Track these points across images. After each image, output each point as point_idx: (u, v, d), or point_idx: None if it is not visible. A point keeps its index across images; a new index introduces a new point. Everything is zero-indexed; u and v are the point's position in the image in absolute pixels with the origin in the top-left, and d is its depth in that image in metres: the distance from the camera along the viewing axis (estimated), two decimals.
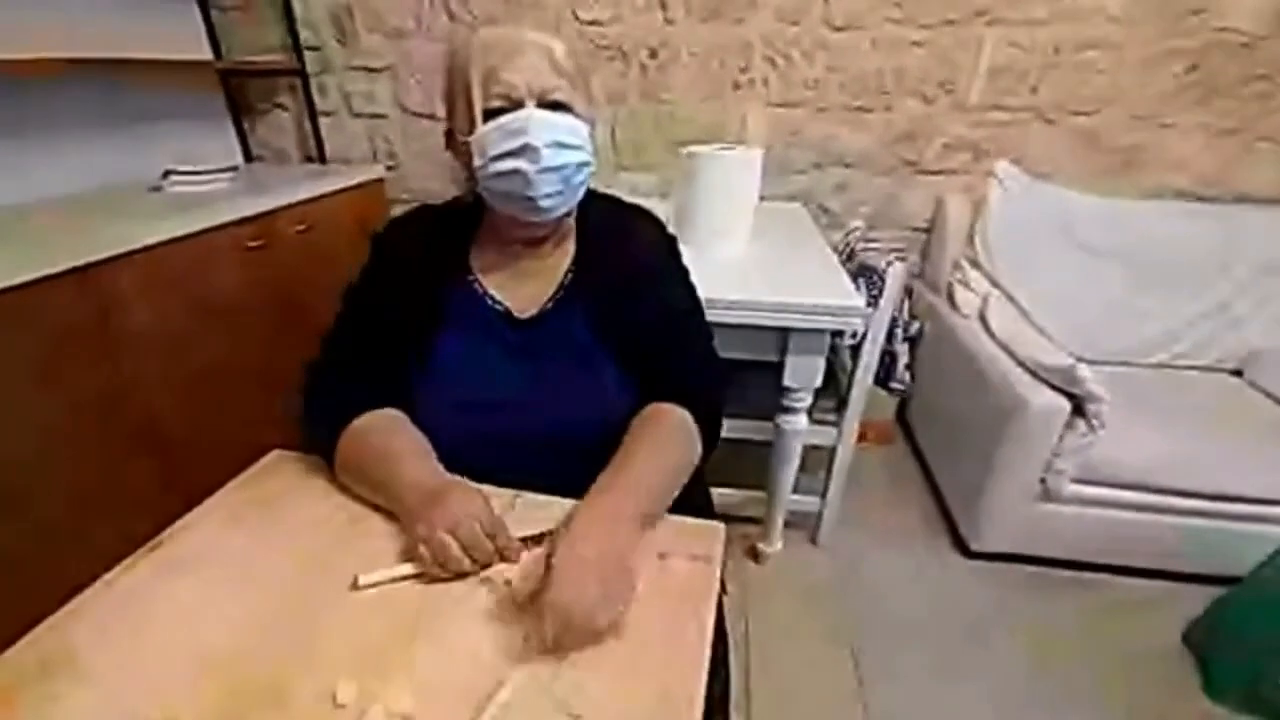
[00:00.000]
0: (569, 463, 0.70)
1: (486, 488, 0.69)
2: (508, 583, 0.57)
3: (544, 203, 0.69)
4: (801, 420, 1.31)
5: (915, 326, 1.85)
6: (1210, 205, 1.72)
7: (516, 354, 0.75)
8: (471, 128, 0.67)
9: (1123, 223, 1.70)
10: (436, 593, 0.57)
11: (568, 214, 0.75)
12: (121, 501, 1.24)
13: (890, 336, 1.72)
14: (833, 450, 1.48)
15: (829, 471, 1.52)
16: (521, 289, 0.77)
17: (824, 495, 1.55)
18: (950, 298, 1.78)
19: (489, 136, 0.67)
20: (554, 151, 0.66)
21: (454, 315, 0.75)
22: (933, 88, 1.77)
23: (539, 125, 0.66)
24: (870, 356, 1.36)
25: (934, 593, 1.48)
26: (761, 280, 1.24)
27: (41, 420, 1.12)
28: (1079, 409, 1.30)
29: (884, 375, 1.77)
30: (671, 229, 0.86)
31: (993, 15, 1.67)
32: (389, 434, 0.70)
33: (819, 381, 1.25)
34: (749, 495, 1.52)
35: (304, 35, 1.94)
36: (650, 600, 0.56)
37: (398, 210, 2.05)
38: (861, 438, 1.53)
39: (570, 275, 0.77)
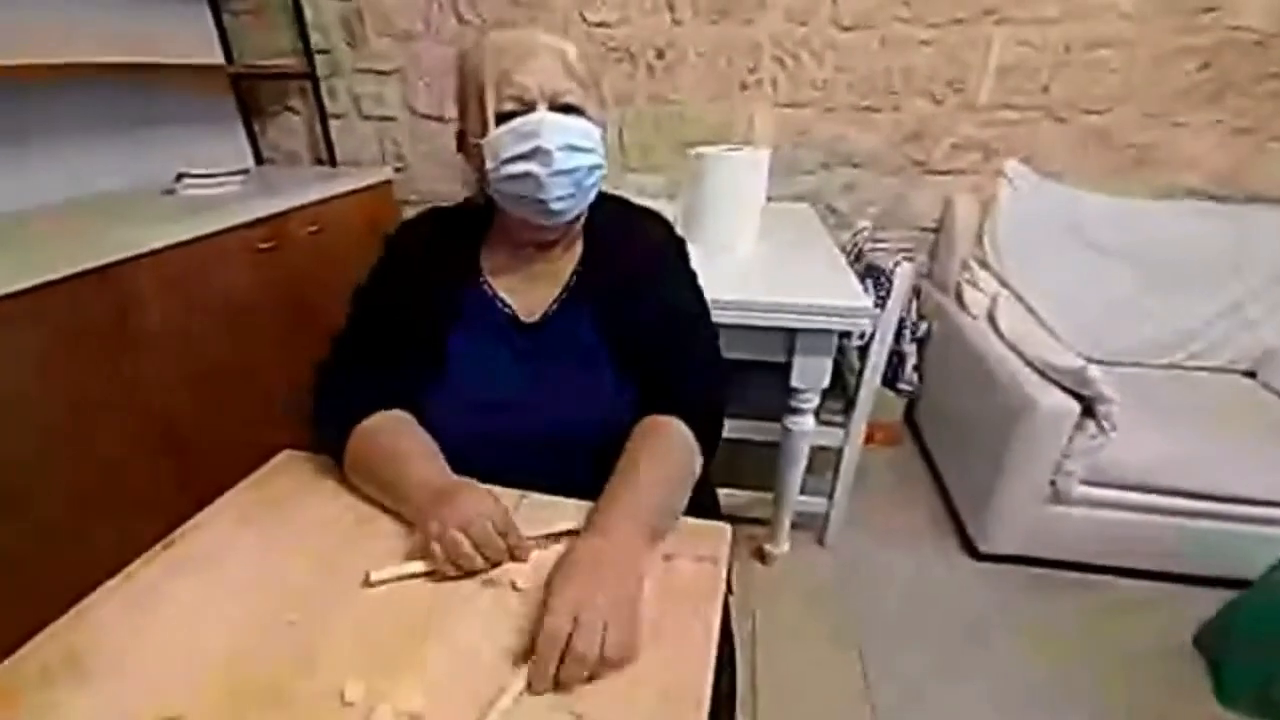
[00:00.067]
0: (573, 463, 0.70)
1: (493, 488, 0.69)
2: (514, 586, 0.58)
3: (556, 205, 0.69)
4: (809, 421, 1.31)
5: (923, 327, 1.84)
6: (1223, 205, 1.71)
7: (523, 356, 0.76)
8: (484, 130, 0.68)
9: (1134, 222, 1.68)
10: (445, 593, 0.57)
11: (579, 217, 0.76)
12: (134, 500, 1.26)
13: (898, 337, 1.72)
14: (840, 451, 1.48)
15: (836, 472, 1.51)
16: (531, 291, 0.77)
17: (831, 496, 1.54)
18: (959, 298, 1.77)
19: (501, 139, 0.67)
20: (566, 155, 0.67)
21: (464, 317, 0.76)
22: (941, 87, 1.76)
23: (551, 128, 0.66)
24: (878, 357, 1.36)
25: (942, 594, 1.47)
26: (769, 281, 1.24)
27: (59, 418, 1.14)
28: (1089, 410, 1.29)
29: (892, 376, 1.76)
30: (678, 230, 0.86)
31: (1002, 14, 1.66)
32: (397, 435, 0.70)
33: (826, 382, 1.24)
34: (756, 496, 1.52)
35: (314, 39, 1.95)
36: (656, 601, 0.56)
37: (407, 212, 2.08)
38: (869, 439, 1.52)
39: (576, 277, 0.78)
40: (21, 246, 1.19)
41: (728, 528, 0.66)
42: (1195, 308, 1.66)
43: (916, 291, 1.89)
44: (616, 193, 0.85)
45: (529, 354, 0.76)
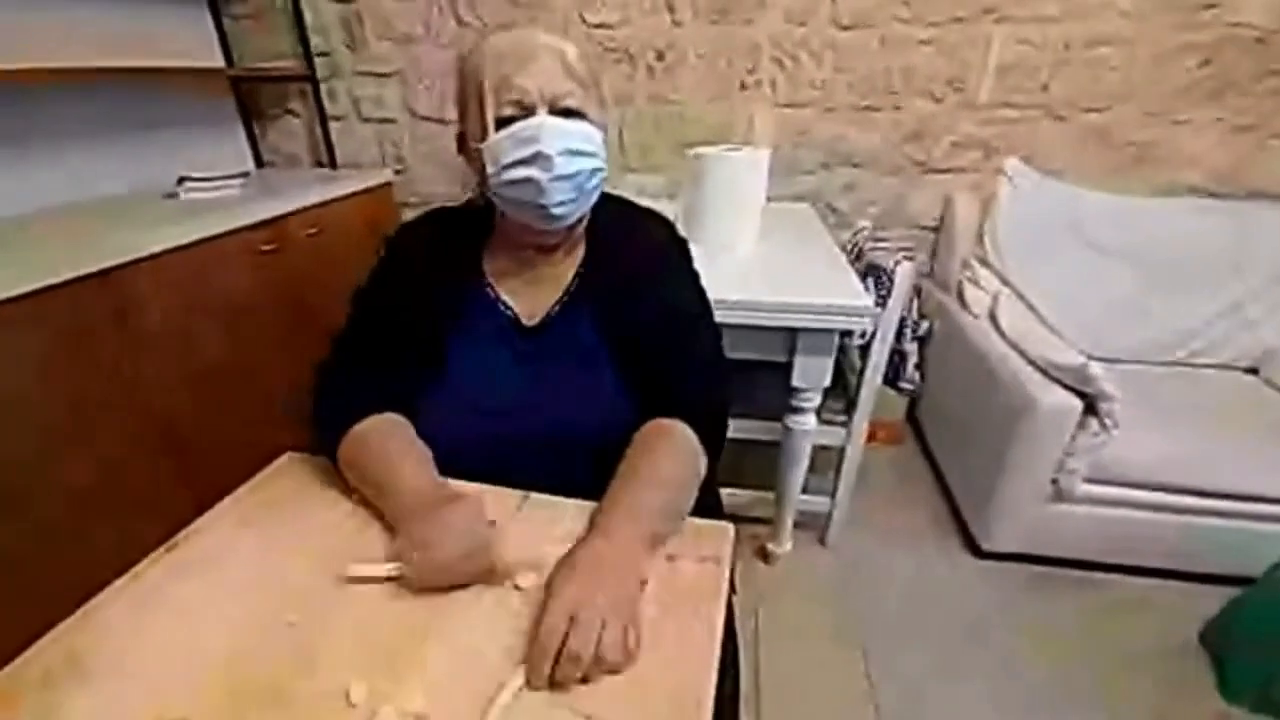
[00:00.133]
0: (574, 465, 0.70)
1: (495, 488, 0.70)
2: (516, 586, 0.58)
3: (557, 210, 0.69)
4: (810, 420, 1.31)
5: (924, 326, 1.84)
6: (1224, 202, 1.70)
7: (524, 359, 0.75)
8: (484, 135, 0.67)
9: (1135, 220, 1.68)
10: (447, 594, 0.57)
11: (580, 220, 0.75)
12: (136, 501, 1.26)
13: (899, 336, 1.72)
14: (842, 450, 1.48)
15: (838, 472, 1.51)
16: (533, 294, 0.77)
17: (833, 495, 1.54)
18: (960, 297, 1.77)
19: (501, 144, 0.67)
20: (567, 159, 0.66)
21: (466, 319, 0.76)
22: (941, 86, 1.76)
23: (551, 133, 0.65)
24: (879, 356, 1.36)
25: (944, 593, 1.47)
26: (769, 280, 1.24)
27: (62, 419, 1.14)
28: (1091, 408, 1.29)
29: (893, 375, 1.76)
30: (680, 230, 0.86)
31: (1001, 12, 1.66)
32: (388, 438, 0.70)
33: (828, 381, 1.24)
34: (758, 496, 1.52)
35: (314, 41, 1.95)
36: (660, 601, 0.56)
37: (407, 214, 2.08)
38: (871, 438, 1.52)
39: (578, 279, 0.78)
40: (23, 250, 1.19)
41: (730, 527, 0.66)
42: (1196, 305, 1.65)
43: (917, 290, 1.89)
44: (617, 193, 0.85)
45: (530, 356, 0.76)
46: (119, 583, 0.59)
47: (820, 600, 1.45)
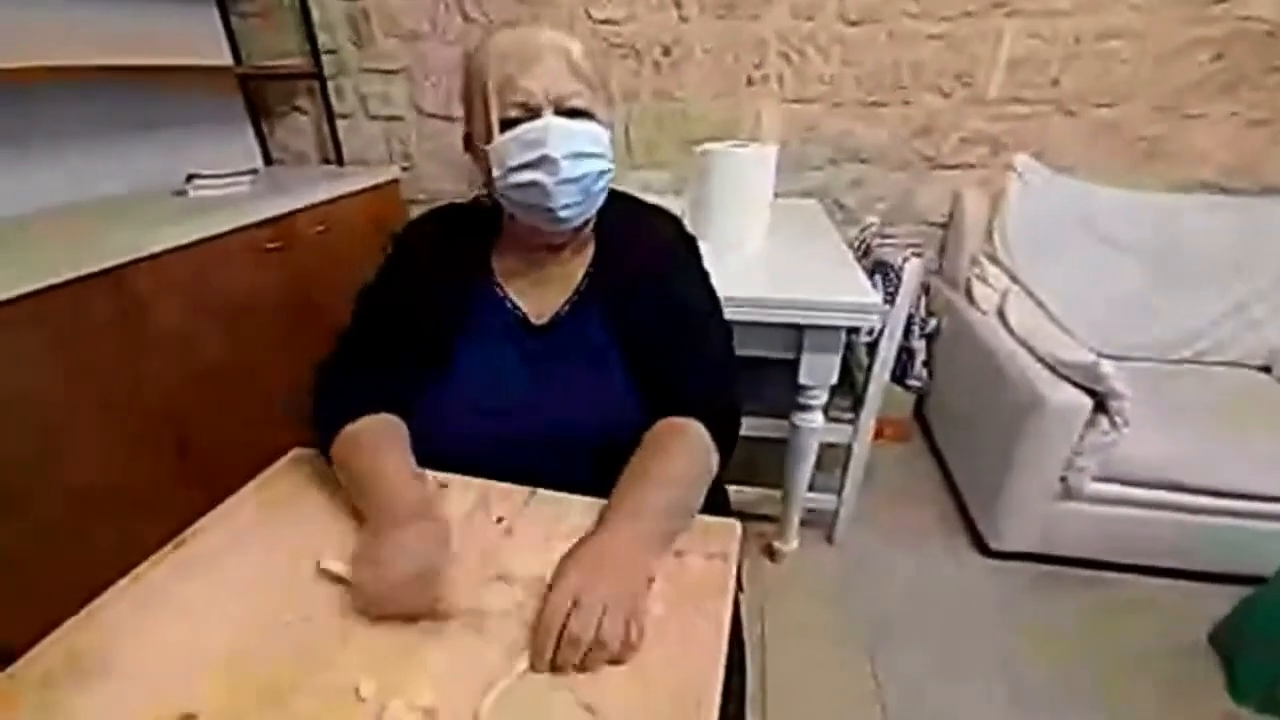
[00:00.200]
0: (583, 464, 0.70)
1: (502, 485, 0.70)
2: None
3: (563, 213, 0.68)
4: (817, 418, 1.31)
5: (933, 323, 1.83)
6: (1236, 198, 1.69)
7: (532, 358, 0.75)
8: (489, 137, 0.67)
9: (1145, 216, 1.66)
10: (455, 589, 0.57)
11: (587, 220, 0.75)
12: (142, 502, 1.26)
13: (907, 333, 1.71)
14: (849, 448, 1.47)
15: (845, 469, 1.51)
16: (541, 294, 0.77)
17: (840, 493, 1.54)
18: (968, 293, 1.76)
19: (506, 147, 0.66)
20: (573, 162, 0.66)
21: (475, 319, 0.75)
22: (950, 81, 1.75)
23: (557, 135, 0.65)
24: (887, 353, 1.35)
25: (952, 592, 1.47)
26: (776, 277, 1.24)
27: (72, 417, 1.15)
28: (1101, 406, 1.28)
29: (901, 372, 1.76)
30: (687, 227, 0.86)
31: (1012, 6, 1.64)
32: (378, 442, 0.69)
33: (835, 379, 1.24)
34: (765, 493, 1.52)
35: (321, 39, 1.96)
36: (667, 598, 0.56)
37: (414, 211, 2.08)
38: (878, 435, 1.52)
39: (588, 279, 0.77)
40: (32, 249, 1.20)
41: (738, 525, 0.66)
42: (1208, 302, 1.64)
43: (925, 287, 1.88)
44: (623, 190, 0.84)
45: (538, 356, 0.75)
46: (124, 581, 0.59)
47: (826, 598, 1.45)
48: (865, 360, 1.43)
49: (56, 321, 1.11)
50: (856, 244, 1.60)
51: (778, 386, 1.32)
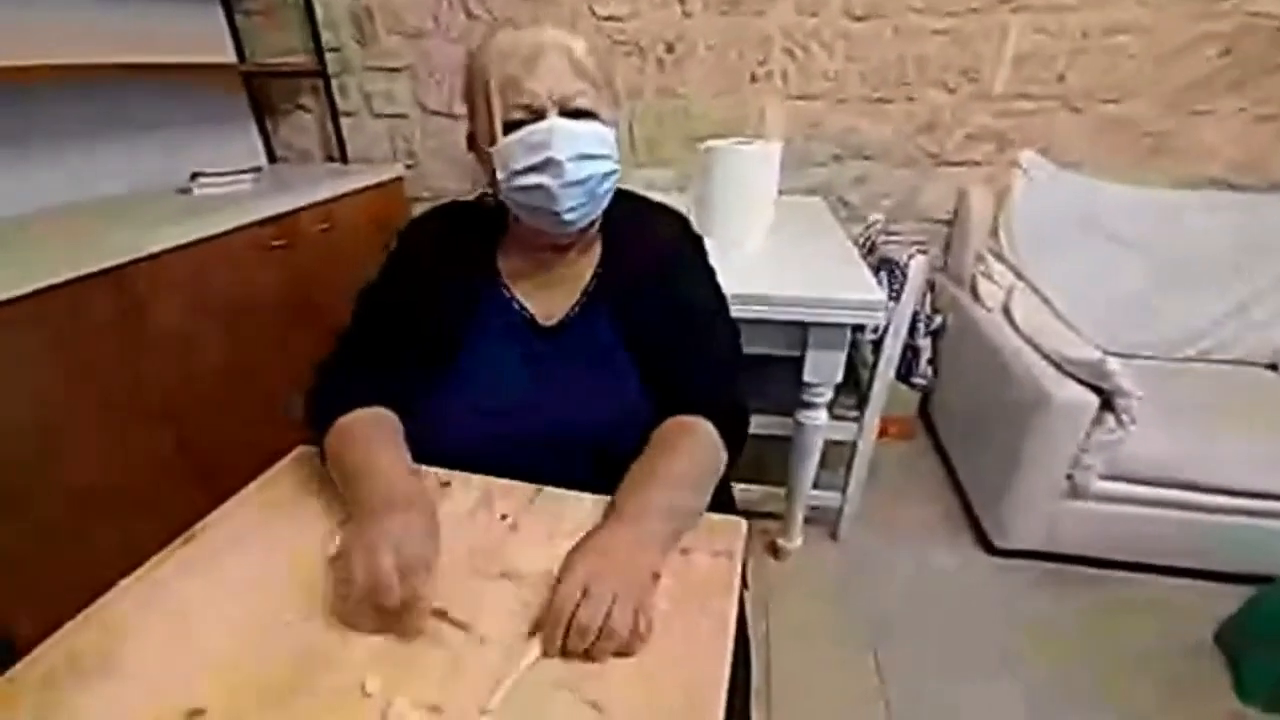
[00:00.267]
0: (589, 465, 0.70)
1: (509, 482, 0.70)
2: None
3: (568, 216, 0.68)
4: (822, 415, 1.30)
5: (938, 320, 1.82)
6: (1244, 194, 1.67)
7: (540, 360, 0.75)
8: (493, 138, 0.66)
9: (1152, 213, 1.65)
10: (460, 586, 0.57)
11: (593, 221, 0.74)
12: (146, 501, 1.27)
13: (912, 331, 1.70)
14: (853, 446, 1.47)
15: (849, 467, 1.50)
16: (549, 295, 0.76)
17: (844, 491, 1.53)
18: (973, 291, 1.75)
19: (511, 149, 0.65)
20: (577, 165, 0.65)
21: (481, 320, 0.75)
22: (955, 77, 1.74)
23: (562, 137, 0.64)
24: (892, 351, 1.35)
25: (956, 590, 1.46)
26: (781, 274, 1.23)
27: (73, 416, 1.15)
28: (1108, 404, 1.28)
29: (906, 370, 1.75)
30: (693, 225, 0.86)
31: (1018, 2, 1.63)
32: (371, 434, 0.68)
33: (839, 377, 1.24)
34: (769, 491, 1.52)
35: (325, 37, 1.96)
36: (672, 595, 0.56)
37: (418, 209, 2.08)
38: (882, 433, 1.51)
39: (595, 279, 0.77)
40: (39, 248, 1.21)
41: (743, 522, 0.66)
42: (1216, 299, 1.63)
43: (930, 285, 1.87)
44: (629, 188, 0.84)
45: (546, 357, 0.75)
46: (127, 580, 0.59)
47: (830, 596, 1.45)
48: (870, 358, 1.42)
49: (61, 321, 1.12)
50: (861, 241, 1.59)
51: (782, 384, 1.32)
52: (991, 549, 1.53)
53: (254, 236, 1.51)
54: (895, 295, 1.30)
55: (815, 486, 1.45)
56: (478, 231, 0.79)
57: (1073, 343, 1.39)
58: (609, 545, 0.57)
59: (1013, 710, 1.19)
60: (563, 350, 0.75)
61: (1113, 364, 1.24)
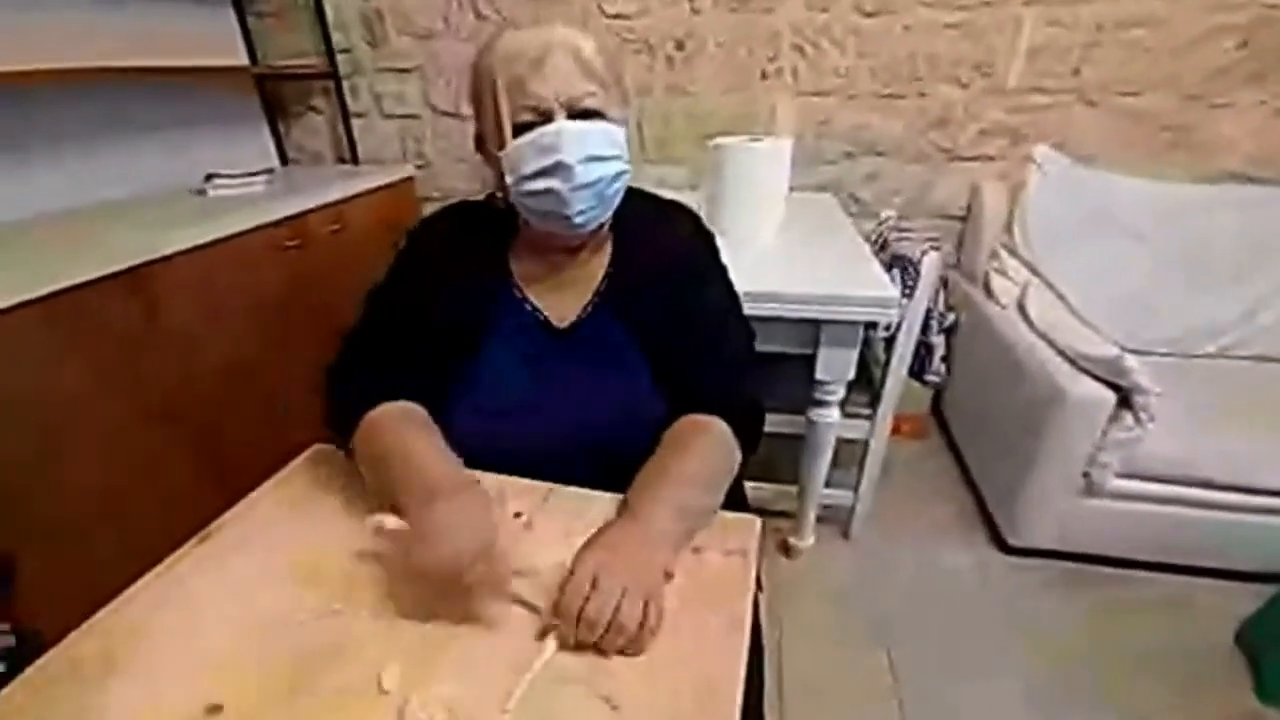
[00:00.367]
0: (602, 467, 0.70)
1: (522, 480, 0.70)
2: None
3: (579, 219, 0.67)
4: (834, 413, 1.30)
5: (951, 318, 1.81)
6: (1264, 188, 1.64)
7: (553, 361, 0.75)
8: (500, 141, 0.66)
9: (1170, 207, 1.63)
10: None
11: (604, 223, 0.74)
12: (161, 500, 1.28)
13: (925, 328, 1.69)
14: (865, 444, 1.46)
15: (861, 465, 1.50)
16: (560, 296, 0.76)
17: (856, 489, 1.53)
18: (987, 287, 1.74)
19: (520, 153, 0.65)
20: (587, 167, 0.64)
21: (495, 322, 0.75)
22: (968, 71, 1.72)
23: (571, 140, 0.63)
24: (904, 348, 1.34)
25: (970, 589, 1.45)
26: (792, 272, 1.23)
27: (88, 417, 1.16)
28: (1125, 401, 1.26)
29: (918, 367, 1.73)
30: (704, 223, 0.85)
31: None
32: (404, 426, 0.68)
33: (852, 374, 1.23)
34: (781, 489, 1.51)
35: (336, 38, 1.97)
36: (686, 593, 0.56)
37: (429, 209, 2.08)
38: (895, 431, 1.50)
39: (607, 280, 0.76)
40: (54, 249, 1.22)
41: (757, 521, 0.66)
42: (1235, 295, 1.60)
43: (944, 281, 1.85)
44: (639, 187, 0.84)
45: (559, 359, 0.75)
46: (147, 576, 0.60)
47: (843, 595, 1.44)
48: (882, 355, 1.41)
49: (82, 321, 1.13)
50: (873, 238, 1.58)
51: (794, 382, 1.31)
52: (1005, 548, 1.52)
53: (268, 237, 1.52)
54: (908, 292, 1.29)
55: (827, 485, 1.45)
56: (489, 232, 0.78)
57: (1089, 339, 1.37)
58: (619, 541, 0.57)
59: (1026, 709, 1.18)
60: (574, 352, 0.75)
61: (1130, 361, 1.23)
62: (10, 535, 1.02)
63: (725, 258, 0.84)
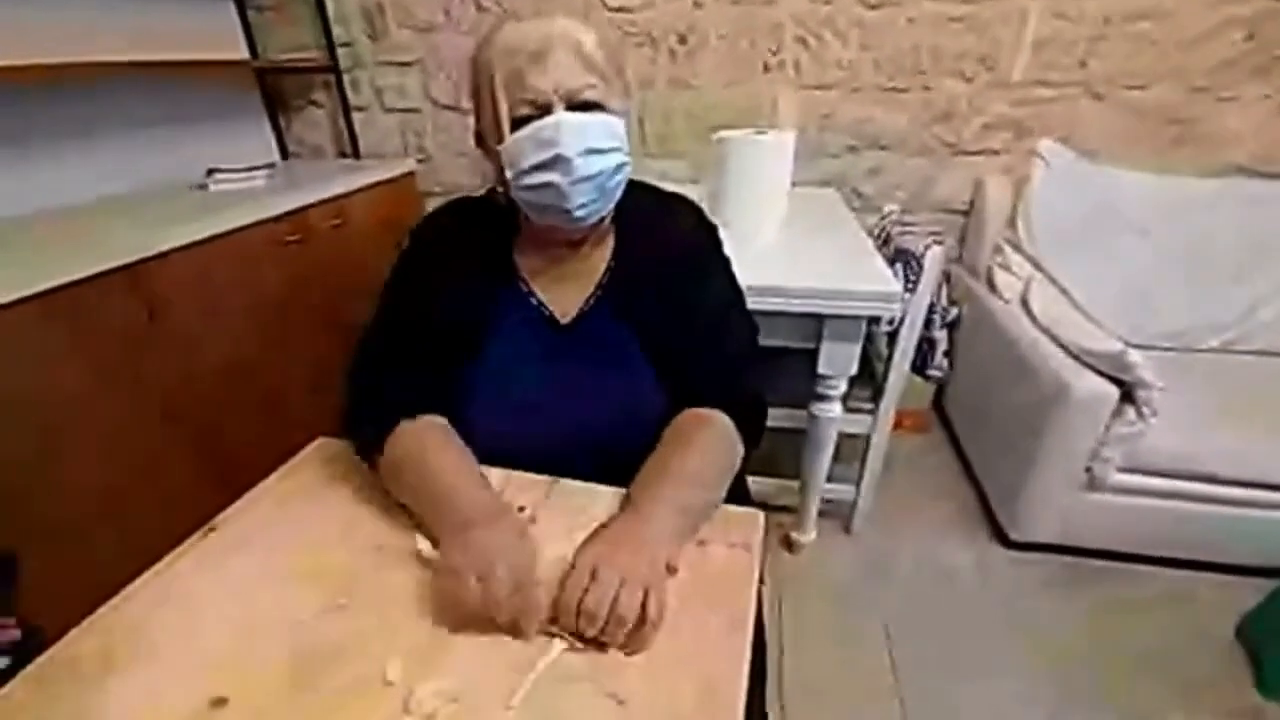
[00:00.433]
0: (606, 462, 0.70)
1: (523, 474, 0.70)
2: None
3: (579, 212, 0.67)
4: (836, 408, 1.30)
5: (954, 312, 1.80)
6: (1269, 183, 1.63)
7: (557, 357, 0.74)
8: (499, 136, 0.65)
9: (1175, 202, 1.62)
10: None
11: (605, 216, 0.74)
12: (165, 493, 1.28)
13: (928, 323, 1.68)
14: (868, 439, 1.46)
15: (864, 460, 1.50)
16: (564, 290, 0.76)
17: (858, 484, 1.53)
18: (990, 282, 1.73)
19: (519, 147, 0.64)
20: (587, 160, 0.64)
21: (503, 318, 0.74)
22: (973, 65, 1.71)
23: (570, 133, 0.63)
24: (907, 343, 1.33)
25: (971, 583, 1.45)
26: (795, 266, 1.22)
27: (87, 414, 1.16)
28: (1128, 396, 1.26)
29: (921, 362, 1.73)
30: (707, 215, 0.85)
31: None
32: (434, 445, 0.67)
33: (854, 369, 1.23)
34: (783, 484, 1.51)
35: (336, 32, 1.96)
36: (690, 588, 0.56)
37: (430, 204, 2.08)
38: (896, 426, 1.50)
39: (609, 273, 0.76)
40: (53, 245, 1.22)
41: (761, 515, 0.66)
42: (1239, 290, 1.59)
43: (946, 276, 1.85)
44: (641, 179, 0.83)
45: (564, 353, 0.75)
46: (151, 571, 0.60)
47: (844, 590, 1.45)
48: (885, 350, 1.41)
49: (81, 318, 1.13)
50: (876, 232, 1.57)
51: (796, 376, 1.31)
52: (1007, 542, 1.52)
53: (269, 232, 1.52)
54: (911, 287, 1.29)
55: (829, 480, 1.45)
56: (492, 228, 0.78)
57: (1093, 334, 1.37)
58: (619, 536, 0.57)
59: (1028, 704, 1.18)
60: (577, 346, 0.75)
61: (1134, 355, 1.22)
62: (10, 534, 1.02)
63: (729, 252, 0.84)
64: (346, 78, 2.03)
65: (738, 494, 0.76)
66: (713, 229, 0.83)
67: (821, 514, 1.53)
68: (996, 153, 1.81)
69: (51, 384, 1.10)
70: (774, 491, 1.52)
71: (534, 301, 0.75)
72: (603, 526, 0.59)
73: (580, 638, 0.51)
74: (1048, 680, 1.22)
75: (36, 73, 1.28)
